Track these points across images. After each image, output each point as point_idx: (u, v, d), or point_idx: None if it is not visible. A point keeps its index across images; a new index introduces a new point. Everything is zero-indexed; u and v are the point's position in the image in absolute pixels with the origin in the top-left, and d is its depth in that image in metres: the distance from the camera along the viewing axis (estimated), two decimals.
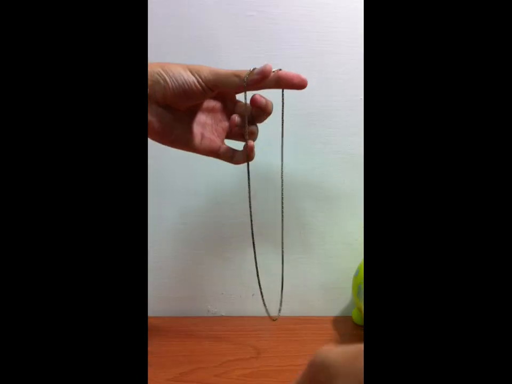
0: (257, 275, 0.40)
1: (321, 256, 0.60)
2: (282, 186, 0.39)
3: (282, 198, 0.38)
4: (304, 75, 0.35)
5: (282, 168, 0.40)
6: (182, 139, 0.37)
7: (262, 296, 0.40)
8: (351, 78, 0.55)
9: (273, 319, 0.41)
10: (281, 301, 0.41)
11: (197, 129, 0.38)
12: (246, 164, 0.37)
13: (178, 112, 0.36)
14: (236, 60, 0.53)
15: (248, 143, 0.37)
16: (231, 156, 0.39)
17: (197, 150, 0.38)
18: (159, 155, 0.56)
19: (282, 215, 0.39)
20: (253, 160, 0.38)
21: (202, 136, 0.38)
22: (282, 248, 0.40)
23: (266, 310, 0.40)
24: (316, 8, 0.53)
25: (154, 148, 0.53)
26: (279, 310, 0.41)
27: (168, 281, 0.60)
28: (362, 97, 0.55)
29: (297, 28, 0.53)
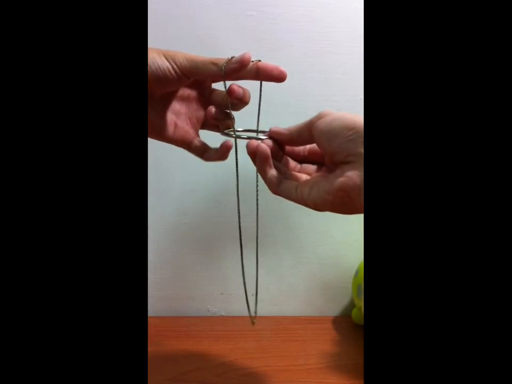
0: (243, 275, 0.39)
1: (321, 256, 0.60)
2: (257, 181, 0.38)
3: (257, 191, 0.37)
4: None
5: None
6: (154, 127, 0.36)
7: (246, 296, 0.39)
8: (351, 78, 0.55)
9: (253, 321, 0.40)
10: (256, 302, 0.40)
11: (170, 117, 0.36)
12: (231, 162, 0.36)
13: (151, 99, 0.35)
14: None
15: (226, 143, 0.36)
16: (202, 151, 0.37)
17: (169, 139, 0.37)
18: (159, 154, 0.56)
19: (257, 210, 0.38)
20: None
21: (176, 125, 0.36)
22: (257, 248, 0.39)
23: (249, 309, 0.40)
24: (316, 8, 0.53)
25: (154, 147, 0.54)
26: (255, 312, 0.40)
27: (168, 281, 0.60)
28: (362, 97, 0.55)
29: (297, 27, 0.53)
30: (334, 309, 0.62)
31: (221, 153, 0.36)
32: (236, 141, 0.35)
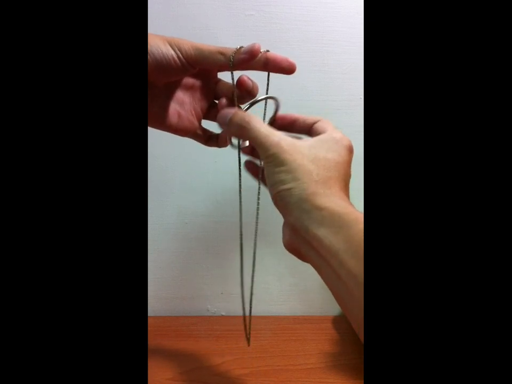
0: (241, 275, 0.39)
1: None
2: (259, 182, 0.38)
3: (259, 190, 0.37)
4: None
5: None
6: (157, 117, 0.34)
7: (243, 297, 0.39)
8: (350, 77, 0.55)
9: (247, 340, 0.40)
10: (250, 301, 0.40)
11: (173, 107, 0.35)
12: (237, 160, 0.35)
13: (155, 88, 0.33)
14: None
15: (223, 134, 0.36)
16: (206, 139, 0.37)
17: (172, 129, 0.35)
18: (159, 153, 0.56)
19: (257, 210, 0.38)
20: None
21: (179, 115, 0.35)
22: (254, 248, 0.39)
23: (244, 312, 0.39)
24: (315, 8, 0.53)
25: (154, 147, 0.54)
26: (250, 311, 0.40)
27: (168, 281, 0.60)
28: (362, 97, 0.55)
29: (297, 27, 0.53)
30: (334, 309, 0.62)
31: (221, 142, 0.37)
32: (239, 142, 0.35)
